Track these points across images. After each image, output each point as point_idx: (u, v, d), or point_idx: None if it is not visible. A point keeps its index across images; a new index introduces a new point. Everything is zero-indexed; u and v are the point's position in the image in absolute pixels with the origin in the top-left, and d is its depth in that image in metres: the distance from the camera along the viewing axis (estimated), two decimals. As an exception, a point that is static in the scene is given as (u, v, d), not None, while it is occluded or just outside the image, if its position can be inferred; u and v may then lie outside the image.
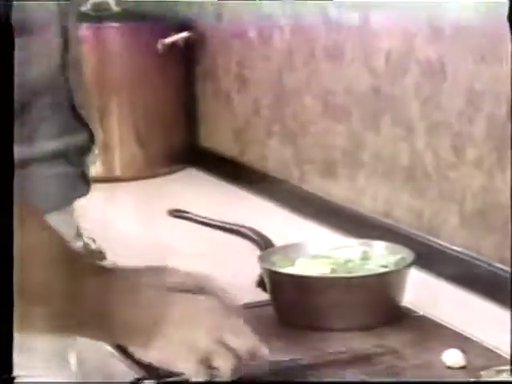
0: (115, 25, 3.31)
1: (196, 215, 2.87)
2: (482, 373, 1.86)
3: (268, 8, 3.01)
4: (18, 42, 1.47)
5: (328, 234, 2.66)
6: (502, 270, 2.21)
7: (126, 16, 3.23)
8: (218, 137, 3.40)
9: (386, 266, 2.15)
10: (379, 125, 2.62)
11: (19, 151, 1.47)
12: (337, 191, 2.83)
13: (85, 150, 1.72)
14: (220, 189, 3.25)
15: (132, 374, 1.81)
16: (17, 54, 1.48)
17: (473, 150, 2.38)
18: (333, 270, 2.16)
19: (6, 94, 1.43)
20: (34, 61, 1.58)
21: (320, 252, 2.26)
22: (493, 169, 2.32)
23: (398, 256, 2.18)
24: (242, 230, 2.70)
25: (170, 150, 3.37)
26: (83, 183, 1.75)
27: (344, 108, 2.75)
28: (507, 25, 1.72)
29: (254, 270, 2.25)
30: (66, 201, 1.70)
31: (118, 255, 2.00)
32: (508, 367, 1.87)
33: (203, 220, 2.84)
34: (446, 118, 2.42)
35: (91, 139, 1.73)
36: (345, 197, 2.79)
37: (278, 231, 2.63)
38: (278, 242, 2.49)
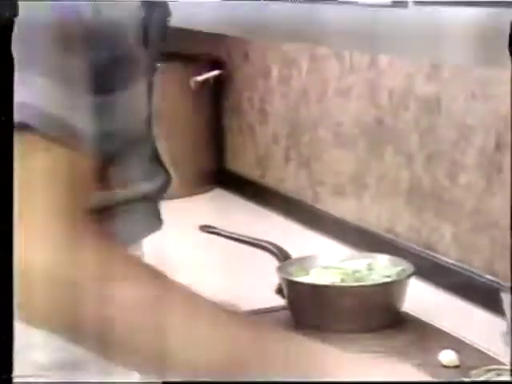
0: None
1: (223, 230, 2.84)
2: (473, 372, 1.89)
3: (288, 50, 3.05)
4: (116, 95, 1.49)
5: (338, 247, 2.65)
6: (491, 280, 2.22)
7: (163, 56, 3.22)
8: (242, 162, 3.40)
9: (388, 277, 2.19)
10: (383, 153, 2.61)
11: (116, 193, 1.53)
12: (345, 210, 2.81)
13: (164, 190, 1.69)
14: (244, 207, 3.23)
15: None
16: (114, 107, 1.49)
17: (465, 176, 2.37)
18: (342, 280, 2.21)
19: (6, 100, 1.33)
20: (128, 113, 1.55)
21: (331, 263, 2.29)
22: (482, 192, 2.32)
23: (399, 268, 2.22)
24: (263, 243, 2.67)
25: (201, 173, 3.38)
26: (159, 219, 1.73)
27: (352, 138, 2.75)
28: (496, 67, 1.76)
29: (274, 279, 2.27)
30: (144, 235, 1.67)
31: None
32: (496, 367, 1.90)
33: (230, 235, 2.81)
34: (442, 148, 2.43)
35: (169, 180, 1.70)
36: (352, 215, 2.78)
37: (294, 245, 2.61)
38: (294, 254, 2.49)
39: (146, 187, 1.61)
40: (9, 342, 1.29)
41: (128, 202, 1.57)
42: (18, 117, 1.29)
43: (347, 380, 1.50)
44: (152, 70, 1.63)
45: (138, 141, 1.60)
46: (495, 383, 1.86)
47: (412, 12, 1.74)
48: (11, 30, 1.31)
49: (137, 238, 1.65)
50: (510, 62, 1.60)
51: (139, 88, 1.57)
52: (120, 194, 1.55)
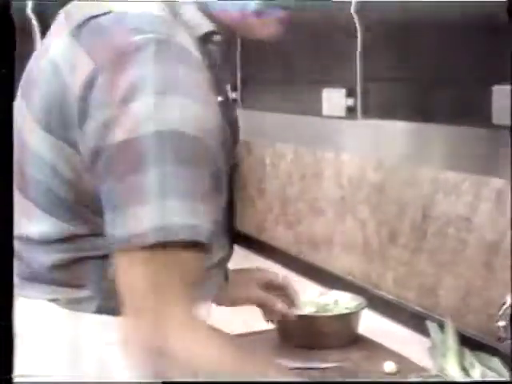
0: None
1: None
2: (409, 377, 1.89)
3: (278, 147, 3.06)
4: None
5: (314, 286, 2.59)
6: (420, 312, 2.24)
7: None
8: (246, 224, 3.33)
9: (349, 309, 2.21)
10: (345, 220, 2.62)
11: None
12: (319, 259, 2.80)
13: (230, 256, 1.52)
14: (246, 256, 3.11)
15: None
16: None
17: (402, 238, 2.39)
18: (316, 311, 2.23)
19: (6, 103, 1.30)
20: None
21: (309, 298, 2.28)
22: (414, 250, 2.33)
23: (357, 302, 2.23)
24: None
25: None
26: (225, 280, 1.64)
27: (323, 209, 2.75)
28: (422, 164, 1.80)
29: None
30: (214, 292, 1.54)
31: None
32: (425, 373, 1.90)
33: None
34: (386, 218, 2.44)
35: (233, 248, 1.51)
36: (324, 263, 2.77)
37: None
38: None
39: (220, 255, 1.46)
40: (9, 343, 1.18)
41: (212, 267, 1.42)
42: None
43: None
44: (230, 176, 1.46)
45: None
46: (495, 383, 1.78)
47: (361, 122, 1.82)
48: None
49: (210, 298, 1.52)
50: (430, 160, 1.69)
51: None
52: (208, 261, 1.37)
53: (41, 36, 3.14)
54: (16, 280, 1.39)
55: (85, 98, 1.25)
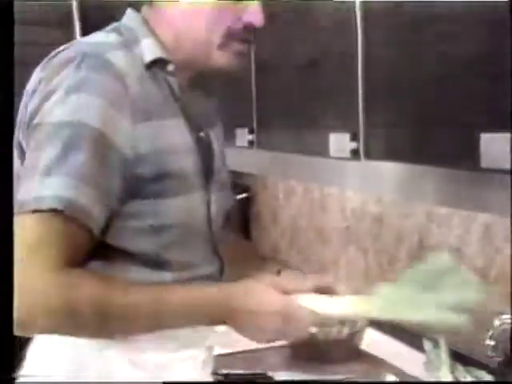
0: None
1: None
2: None
3: (290, 183, 3.06)
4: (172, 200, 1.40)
5: None
6: (417, 331, 2.03)
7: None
8: (261, 248, 3.32)
9: (354, 328, 2.21)
10: (348, 248, 2.64)
11: (180, 274, 1.41)
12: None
13: (221, 271, 1.53)
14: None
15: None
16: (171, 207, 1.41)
17: (400, 264, 2.37)
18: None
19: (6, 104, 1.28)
20: (184, 213, 1.43)
21: None
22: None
23: (360, 322, 2.22)
24: None
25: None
26: None
27: (329, 238, 2.77)
28: (416, 201, 1.80)
29: None
30: None
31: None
32: None
33: None
34: (385, 246, 2.43)
35: (223, 263, 1.53)
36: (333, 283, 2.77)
37: None
38: None
39: (207, 270, 1.49)
40: (9, 343, 1.13)
41: (192, 281, 1.44)
42: None
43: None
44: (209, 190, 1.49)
45: (198, 233, 1.47)
46: (492, 383, 1.73)
47: (363, 163, 1.81)
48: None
49: None
50: (425, 196, 1.69)
51: (194, 198, 1.45)
52: (183, 274, 1.43)
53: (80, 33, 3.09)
54: None
55: (30, 101, 1.38)
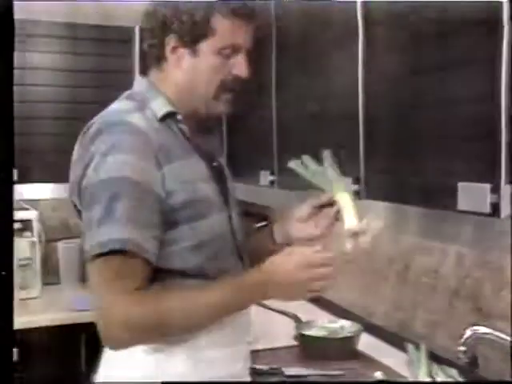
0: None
1: (268, 305, 2.56)
2: None
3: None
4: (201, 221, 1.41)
5: (325, 315, 2.54)
6: (402, 336, 2.17)
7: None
8: None
9: (351, 332, 2.20)
10: (349, 267, 2.54)
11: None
12: (330, 295, 2.65)
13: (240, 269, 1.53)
14: None
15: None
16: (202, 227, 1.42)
17: (389, 282, 2.36)
18: (328, 334, 2.23)
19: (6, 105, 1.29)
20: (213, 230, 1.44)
21: (322, 324, 2.29)
22: (398, 293, 2.29)
23: (357, 328, 2.23)
24: (288, 312, 2.52)
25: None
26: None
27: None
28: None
29: (292, 332, 2.26)
30: None
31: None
32: (406, 381, 1.90)
33: (270, 307, 2.57)
34: (379, 266, 2.40)
35: (246, 269, 1.52)
36: (333, 298, 2.64)
37: (304, 314, 2.49)
38: (303, 318, 2.41)
39: (234, 273, 1.46)
40: (10, 343, 1.09)
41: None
42: None
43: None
44: (229, 207, 1.50)
45: (226, 244, 1.47)
46: (494, 383, 1.67)
47: (364, 202, 1.84)
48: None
49: None
50: (411, 230, 1.71)
51: (219, 216, 1.46)
52: (219, 279, 1.40)
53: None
54: None
55: (75, 172, 1.39)
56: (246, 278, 1.39)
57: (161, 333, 1.36)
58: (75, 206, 1.42)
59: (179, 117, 1.45)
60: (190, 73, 1.44)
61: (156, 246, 1.34)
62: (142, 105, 1.43)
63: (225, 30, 1.41)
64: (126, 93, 1.49)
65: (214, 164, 1.52)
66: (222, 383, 1.44)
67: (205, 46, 1.42)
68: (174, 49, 1.43)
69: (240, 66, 1.44)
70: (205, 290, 1.36)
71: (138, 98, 1.45)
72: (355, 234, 1.39)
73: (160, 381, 1.37)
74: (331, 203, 1.50)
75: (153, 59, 1.47)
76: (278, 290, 1.37)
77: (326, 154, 1.59)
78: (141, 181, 1.32)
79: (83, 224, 1.35)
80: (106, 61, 3.08)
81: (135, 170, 1.32)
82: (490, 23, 1.30)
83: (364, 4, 1.75)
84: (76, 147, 1.43)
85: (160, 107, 1.44)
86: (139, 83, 1.50)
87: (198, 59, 1.43)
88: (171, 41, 1.43)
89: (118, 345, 1.34)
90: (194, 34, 1.40)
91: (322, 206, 1.49)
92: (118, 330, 1.29)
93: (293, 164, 1.61)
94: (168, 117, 1.44)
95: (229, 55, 1.43)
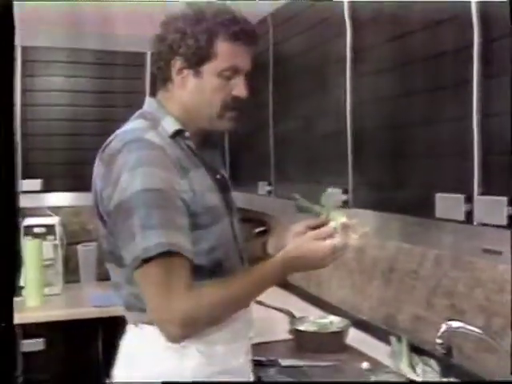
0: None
1: (261, 302, 2.53)
2: (377, 372, 1.88)
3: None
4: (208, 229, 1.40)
5: (316, 311, 2.55)
6: (386, 330, 2.17)
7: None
8: None
9: (340, 327, 2.20)
10: (339, 268, 2.53)
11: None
12: (320, 293, 2.71)
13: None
14: (274, 291, 3.06)
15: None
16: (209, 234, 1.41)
17: (375, 282, 2.33)
18: (319, 329, 2.22)
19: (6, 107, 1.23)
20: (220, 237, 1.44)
21: (314, 320, 2.29)
22: (382, 291, 2.26)
23: (345, 323, 2.23)
24: (283, 309, 2.52)
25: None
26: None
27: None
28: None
29: (287, 327, 2.26)
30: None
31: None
32: (388, 370, 1.88)
33: (269, 304, 2.55)
34: (366, 267, 2.38)
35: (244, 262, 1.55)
36: (324, 295, 2.67)
37: (297, 310, 2.49)
38: (297, 315, 2.40)
39: (238, 270, 1.47)
40: (12, 342, 0.93)
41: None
42: None
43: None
44: (231, 215, 1.50)
45: (230, 247, 1.47)
46: (497, 383, 1.60)
47: (352, 210, 1.83)
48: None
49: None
50: (395, 235, 1.68)
51: (225, 223, 1.46)
52: (227, 276, 1.41)
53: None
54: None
55: (101, 188, 1.37)
56: (276, 258, 1.38)
57: (215, 320, 1.37)
58: (98, 212, 1.41)
59: (187, 134, 1.45)
60: (194, 93, 1.43)
61: (192, 246, 1.34)
62: (155, 123, 1.43)
63: (226, 53, 1.40)
64: (138, 112, 1.49)
65: (218, 176, 1.52)
66: (221, 383, 1.43)
67: (207, 68, 1.41)
68: (180, 70, 1.43)
69: (240, 87, 1.43)
70: (244, 278, 1.37)
71: (150, 117, 1.45)
72: (346, 227, 1.38)
73: (176, 374, 1.37)
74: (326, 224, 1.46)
75: (161, 81, 1.47)
76: (301, 264, 1.38)
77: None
78: (170, 189, 1.32)
79: (122, 235, 1.33)
80: (123, 83, 3.17)
81: (164, 181, 1.32)
82: (462, 54, 1.33)
83: (353, 32, 1.77)
84: (96, 163, 1.41)
85: (170, 125, 1.44)
86: (149, 103, 1.49)
87: (201, 80, 1.42)
88: (177, 63, 1.43)
89: (181, 338, 1.33)
90: (198, 57, 1.40)
91: (318, 227, 1.47)
92: (179, 325, 1.28)
93: (299, 202, 1.57)
94: (177, 134, 1.44)
95: (229, 77, 1.42)
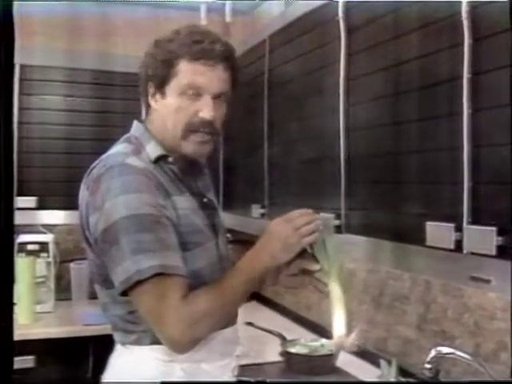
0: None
1: (257, 325, 2.58)
2: None
3: None
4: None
5: (308, 334, 2.52)
6: (377, 354, 2.14)
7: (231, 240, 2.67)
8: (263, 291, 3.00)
9: (331, 350, 2.16)
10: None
11: None
12: (312, 316, 2.68)
13: None
14: (265, 311, 2.98)
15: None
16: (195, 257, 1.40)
17: (365, 306, 2.34)
18: (310, 352, 2.20)
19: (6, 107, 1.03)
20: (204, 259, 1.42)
21: (305, 343, 2.27)
22: (373, 315, 2.28)
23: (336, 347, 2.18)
24: (274, 331, 2.49)
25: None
26: None
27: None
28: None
29: (278, 348, 2.24)
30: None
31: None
32: None
33: (260, 327, 2.56)
34: (357, 291, 2.36)
35: None
36: (315, 319, 2.64)
37: (288, 333, 2.45)
38: (288, 337, 2.37)
39: None
40: (10, 342, 0.96)
41: None
42: None
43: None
44: (217, 237, 1.48)
45: (215, 266, 1.45)
46: (494, 383, 1.55)
47: (344, 236, 1.76)
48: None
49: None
50: (386, 261, 1.68)
51: (210, 245, 1.45)
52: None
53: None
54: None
55: (86, 214, 1.36)
56: (255, 247, 1.37)
57: (215, 321, 1.35)
58: (85, 236, 1.42)
59: (170, 159, 1.44)
60: (161, 114, 1.43)
61: (183, 264, 1.34)
62: (139, 148, 1.43)
63: (185, 70, 1.38)
64: (125, 136, 1.49)
65: (204, 200, 1.51)
66: (221, 383, 1.42)
67: (169, 88, 1.40)
68: (153, 95, 1.43)
69: (205, 109, 1.39)
70: (230, 275, 1.35)
71: (135, 141, 1.45)
72: (342, 338, 1.37)
73: None
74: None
75: (145, 105, 1.47)
76: (275, 256, 1.35)
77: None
78: (155, 211, 1.32)
79: (111, 261, 1.32)
80: (120, 103, 3.21)
81: (148, 204, 1.31)
82: (453, 86, 1.35)
83: (346, 54, 1.80)
84: (82, 187, 1.41)
85: (153, 150, 1.43)
86: (136, 127, 1.49)
87: (165, 101, 1.41)
88: (151, 88, 1.43)
89: (188, 344, 1.32)
90: (160, 78, 1.40)
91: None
92: (182, 332, 1.27)
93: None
94: (160, 159, 1.43)
95: (193, 97, 1.39)
